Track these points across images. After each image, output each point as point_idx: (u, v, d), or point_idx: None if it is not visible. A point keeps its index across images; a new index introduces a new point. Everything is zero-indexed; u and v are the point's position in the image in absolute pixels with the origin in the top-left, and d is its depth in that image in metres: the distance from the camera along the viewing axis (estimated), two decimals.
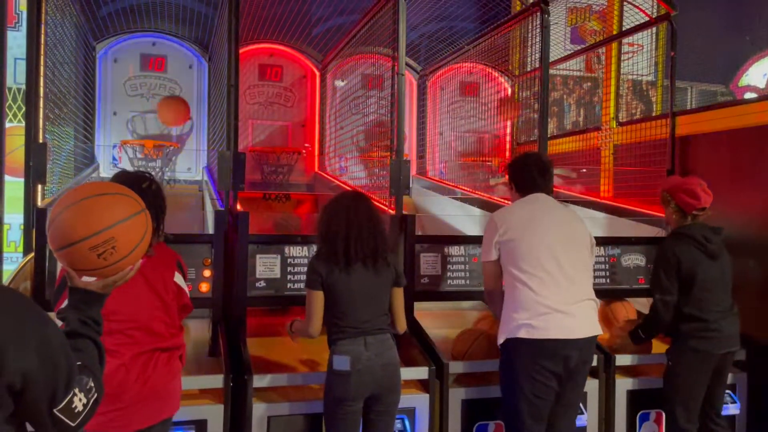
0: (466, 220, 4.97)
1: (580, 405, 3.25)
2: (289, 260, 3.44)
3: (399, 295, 2.81)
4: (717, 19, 6.91)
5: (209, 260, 3.30)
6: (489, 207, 4.70)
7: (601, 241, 3.69)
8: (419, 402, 3.13)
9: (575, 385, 2.93)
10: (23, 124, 4.65)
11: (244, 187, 3.58)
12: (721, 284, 3.20)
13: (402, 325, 2.84)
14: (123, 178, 2.30)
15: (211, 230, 3.54)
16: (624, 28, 5.31)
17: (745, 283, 3.57)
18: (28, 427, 1.36)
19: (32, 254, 3.24)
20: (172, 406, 2.33)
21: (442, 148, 6.62)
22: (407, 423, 3.08)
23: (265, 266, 3.40)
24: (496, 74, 6.37)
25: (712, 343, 3.13)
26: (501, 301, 2.95)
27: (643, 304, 3.90)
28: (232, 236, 3.38)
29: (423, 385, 3.18)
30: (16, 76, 5.77)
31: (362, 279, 2.68)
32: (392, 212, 3.64)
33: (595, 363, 3.30)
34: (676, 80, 4.54)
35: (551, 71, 5.66)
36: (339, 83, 6.15)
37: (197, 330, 3.68)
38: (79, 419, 1.36)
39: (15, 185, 4.49)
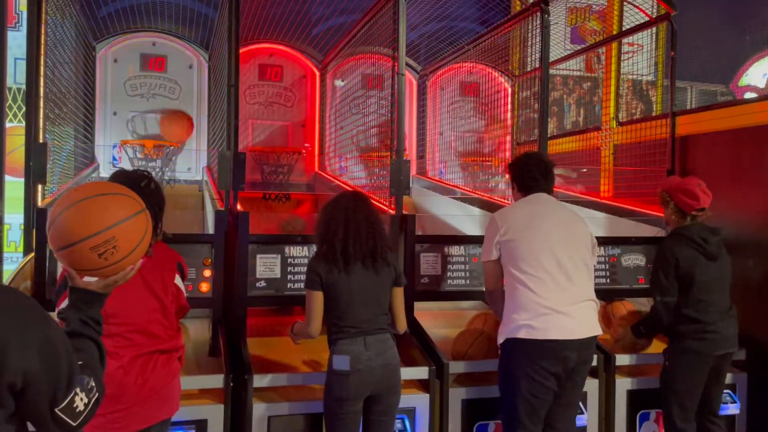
0: (466, 220, 4.97)
1: (581, 405, 3.26)
2: (289, 260, 3.44)
3: (399, 294, 2.82)
4: (717, 19, 6.91)
5: (209, 260, 3.31)
6: (489, 207, 4.70)
7: (601, 241, 3.69)
8: (419, 402, 3.13)
9: (574, 385, 2.93)
10: (23, 124, 4.65)
11: (245, 187, 3.59)
12: (720, 285, 3.20)
13: (402, 325, 2.84)
14: (121, 176, 2.30)
15: (211, 230, 3.54)
16: (624, 28, 5.31)
17: (745, 283, 3.57)
18: (29, 426, 1.36)
19: (32, 254, 3.25)
20: (171, 406, 2.34)
21: (442, 148, 6.62)
22: (407, 423, 3.08)
23: (266, 266, 3.40)
24: (496, 74, 6.37)
25: (710, 344, 3.12)
26: (502, 301, 2.95)
27: (642, 304, 3.90)
28: (232, 236, 3.38)
29: (423, 385, 3.19)
30: (16, 76, 5.77)
31: (361, 279, 2.68)
32: (392, 212, 3.64)
33: (595, 363, 3.30)
34: (676, 80, 4.54)
35: (551, 71, 5.67)
36: (339, 83, 6.15)
37: (197, 330, 3.69)
38: (81, 419, 1.36)
39: (15, 185, 4.49)
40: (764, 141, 3.76)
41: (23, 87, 5.49)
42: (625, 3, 5.30)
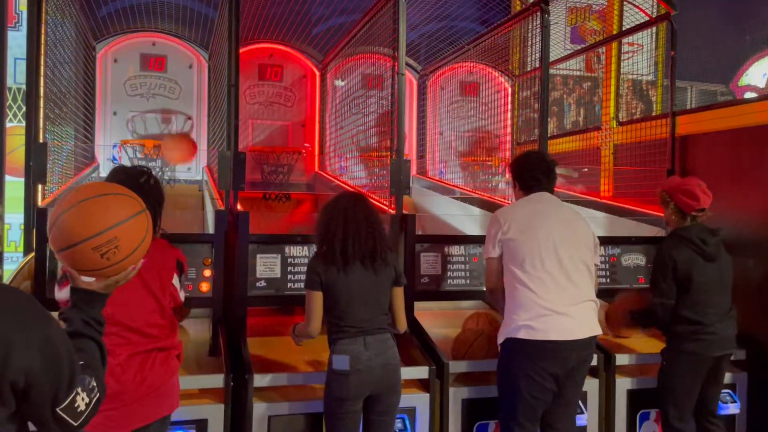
0: (466, 219, 4.97)
1: (581, 405, 3.26)
2: (289, 260, 3.44)
3: (399, 294, 2.82)
4: (717, 19, 6.91)
5: (209, 260, 3.31)
6: (489, 207, 4.71)
7: (601, 241, 3.68)
8: (419, 401, 3.13)
9: (574, 384, 2.93)
10: (23, 123, 4.65)
11: (245, 187, 3.59)
12: (719, 287, 3.19)
13: (402, 325, 2.85)
14: (121, 173, 2.30)
15: (211, 230, 3.54)
16: (624, 28, 5.31)
17: (745, 283, 3.57)
18: (30, 426, 1.36)
19: (32, 254, 3.25)
20: (170, 404, 2.34)
21: (442, 148, 6.62)
22: (407, 422, 3.08)
23: (266, 266, 3.40)
24: (497, 74, 6.37)
25: (707, 345, 3.12)
26: (503, 298, 2.95)
27: None
28: (232, 236, 3.38)
29: (423, 384, 3.19)
30: (16, 76, 5.77)
31: (361, 279, 2.68)
32: (392, 212, 3.64)
33: (595, 363, 3.31)
34: (676, 80, 4.55)
35: (551, 71, 5.67)
36: (339, 83, 6.15)
37: (197, 330, 3.69)
38: (82, 418, 1.36)
39: (15, 185, 4.49)
40: (764, 141, 3.76)
41: (23, 87, 5.50)
42: (625, 3, 5.30)
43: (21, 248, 5.67)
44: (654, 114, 5.83)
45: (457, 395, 3.21)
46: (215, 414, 2.90)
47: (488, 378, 3.24)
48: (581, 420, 3.22)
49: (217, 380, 2.95)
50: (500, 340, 2.92)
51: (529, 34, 4.73)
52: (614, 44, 5.41)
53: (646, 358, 3.52)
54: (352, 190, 4.32)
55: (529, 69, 5.88)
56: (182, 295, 2.45)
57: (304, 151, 6.47)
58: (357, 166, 5.35)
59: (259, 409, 2.96)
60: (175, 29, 6.13)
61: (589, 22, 6.94)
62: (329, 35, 6.24)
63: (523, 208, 3.02)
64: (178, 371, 2.41)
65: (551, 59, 4.78)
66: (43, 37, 3.56)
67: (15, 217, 5.21)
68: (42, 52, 3.55)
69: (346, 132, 5.44)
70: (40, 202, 3.44)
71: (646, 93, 6.34)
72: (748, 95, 7.56)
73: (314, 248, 2.90)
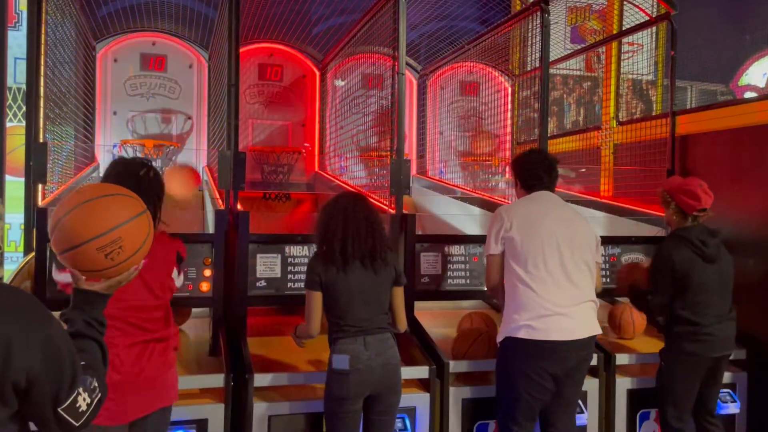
0: (466, 219, 4.97)
1: (581, 404, 3.26)
2: (289, 260, 3.44)
3: (399, 294, 2.82)
4: (717, 19, 6.91)
5: (210, 260, 3.31)
6: (489, 206, 4.71)
7: (601, 241, 3.70)
8: (420, 401, 3.13)
9: (574, 383, 2.93)
10: (23, 123, 4.66)
11: (245, 187, 3.59)
12: (719, 288, 3.18)
13: (402, 324, 2.85)
14: (121, 165, 2.31)
15: (211, 230, 3.54)
16: (624, 28, 5.32)
17: (745, 283, 3.57)
18: (31, 426, 1.36)
19: (32, 254, 3.25)
20: (168, 395, 2.35)
21: (442, 148, 6.62)
22: (408, 422, 3.08)
23: (266, 266, 3.40)
24: (497, 74, 6.37)
25: (705, 346, 3.12)
26: (504, 295, 2.96)
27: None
28: (232, 236, 3.38)
29: (423, 384, 3.19)
30: (16, 75, 5.78)
31: (360, 278, 2.69)
32: (392, 211, 3.64)
33: (595, 362, 3.31)
34: (676, 79, 4.55)
35: (551, 70, 5.67)
36: (339, 83, 6.15)
37: (197, 329, 3.69)
38: (83, 419, 1.36)
39: (15, 185, 4.50)
40: (764, 140, 3.76)
41: (23, 87, 5.50)
42: (625, 2, 5.30)
43: (21, 248, 5.67)
44: (654, 114, 5.83)
45: (457, 395, 3.21)
46: (215, 414, 2.90)
47: (488, 378, 3.24)
48: (581, 419, 3.22)
49: (217, 380, 2.95)
50: (500, 338, 2.93)
51: (529, 34, 4.72)
52: (614, 44, 5.41)
53: (646, 357, 3.52)
54: (352, 189, 4.32)
55: (529, 69, 5.88)
56: (179, 282, 2.45)
57: (304, 150, 6.47)
58: (357, 165, 5.35)
59: (260, 409, 2.96)
60: (175, 29, 6.13)
61: (589, 21, 6.94)
62: (329, 35, 6.25)
63: (525, 206, 3.02)
64: (176, 364, 2.41)
65: (551, 59, 4.78)
66: (43, 37, 3.56)
67: (15, 217, 5.21)
68: (42, 52, 3.55)
69: (346, 132, 5.44)
70: (40, 202, 3.44)
71: (646, 93, 6.34)
72: (748, 95, 7.56)
73: (314, 248, 2.90)
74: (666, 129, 4.47)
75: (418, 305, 3.63)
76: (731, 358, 3.33)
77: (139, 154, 5.87)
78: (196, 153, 6.20)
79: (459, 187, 5.78)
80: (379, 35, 4.30)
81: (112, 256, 1.51)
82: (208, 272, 3.30)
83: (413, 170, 6.47)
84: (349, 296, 2.67)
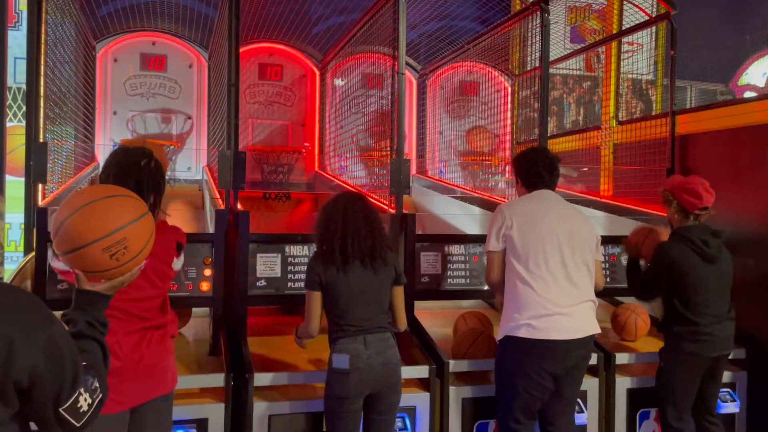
0: (466, 219, 4.97)
1: (581, 404, 3.26)
2: (289, 259, 3.44)
3: (399, 293, 2.82)
4: (717, 19, 6.92)
5: (210, 259, 3.31)
6: (489, 206, 4.71)
7: (601, 240, 3.70)
8: (420, 401, 3.14)
9: (573, 382, 2.94)
10: (23, 123, 4.65)
11: (245, 187, 3.59)
12: (718, 288, 3.18)
13: (403, 324, 2.85)
14: (122, 153, 2.30)
15: (211, 229, 3.54)
16: (624, 27, 5.32)
17: (746, 283, 3.57)
18: (32, 426, 1.37)
19: (33, 253, 3.25)
20: (167, 383, 2.35)
21: (442, 147, 6.62)
22: (408, 421, 3.08)
23: (266, 265, 3.41)
24: (496, 73, 6.37)
25: (704, 346, 3.12)
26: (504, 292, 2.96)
27: (652, 308, 3.89)
28: (232, 235, 3.38)
29: (423, 383, 3.19)
30: (16, 75, 5.77)
31: (360, 278, 2.69)
32: (392, 211, 3.64)
33: (594, 362, 3.31)
34: (675, 79, 4.55)
35: (551, 70, 5.67)
36: (339, 82, 6.15)
37: (198, 329, 3.69)
38: (84, 419, 1.37)
39: (15, 185, 4.50)
40: (764, 140, 3.76)
41: (23, 86, 5.49)
42: (624, 2, 5.30)
43: (21, 248, 5.67)
44: (654, 113, 5.83)
45: (457, 394, 3.21)
46: (216, 413, 2.90)
47: (488, 377, 3.24)
48: (581, 419, 3.22)
49: (217, 379, 2.95)
50: (499, 337, 2.93)
51: (529, 34, 4.72)
52: (614, 43, 5.41)
53: (646, 357, 3.52)
54: (351, 189, 4.32)
55: (528, 68, 5.88)
56: (177, 266, 2.44)
57: (304, 150, 6.47)
58: (357, 165, 5.35)
59: (260, 408, 2.96)
60: (175, 29, 6.13)
61: (588, 21, 6.95)
62: (329, 35, 6.25)
63: (526, 204, 3.02)
64: (174, 351, 2.41)
65: (551, 58, 4.78)
66: (43, 36, 3.56)
67: (15, 217, 5.20)
68: (42, 51, 3.55)
69: (346, 131, 5.44)
70: (40, 202, 3.44)
71: (645, 92, 6.34)
72: (748, 94, 7.57)
73: (314, 248, 2.90)
74: (666, 129, 4.47)
75: (418, 305, 3.63)
76: (731, 357, 3.34)
77: None
78: (196, 153, 6.20)
79: (459, 187, 5.78)
80: (379, 35, 4.31)
81: (117, 256, 1.53)
82: (208, 272, 3.31)
83: (413, 170, 6.47)
84: (349, 296, 2.67)
